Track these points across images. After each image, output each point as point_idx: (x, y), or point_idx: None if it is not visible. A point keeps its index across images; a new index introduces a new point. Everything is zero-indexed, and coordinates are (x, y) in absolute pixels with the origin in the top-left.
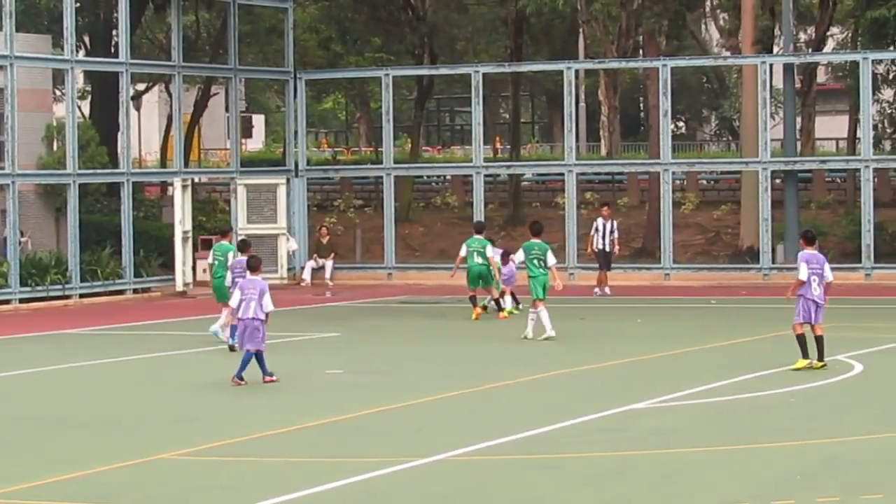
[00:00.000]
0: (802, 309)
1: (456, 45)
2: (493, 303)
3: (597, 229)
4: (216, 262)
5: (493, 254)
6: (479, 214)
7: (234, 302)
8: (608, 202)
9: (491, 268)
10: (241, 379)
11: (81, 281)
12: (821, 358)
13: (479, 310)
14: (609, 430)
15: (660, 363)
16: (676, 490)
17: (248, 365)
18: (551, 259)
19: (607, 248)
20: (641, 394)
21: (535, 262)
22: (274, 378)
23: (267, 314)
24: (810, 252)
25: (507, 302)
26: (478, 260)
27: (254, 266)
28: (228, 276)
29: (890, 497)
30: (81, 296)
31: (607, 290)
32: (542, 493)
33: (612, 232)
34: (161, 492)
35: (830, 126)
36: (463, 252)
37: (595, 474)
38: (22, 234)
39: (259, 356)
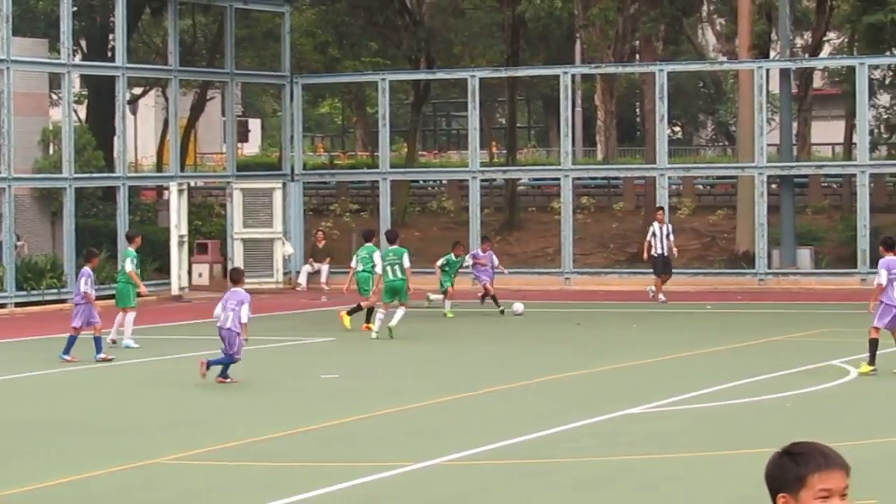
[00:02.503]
0: (885, 314)
1: (453, 50)
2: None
3: (654, 234)
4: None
5: (408, 264)
6: (475, 219)
7: (216, 311)
8: (662, 207)
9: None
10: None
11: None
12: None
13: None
14: (603, 435)
15: (655, 368)
16: (671, 495)
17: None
18: (406, 262)
19: (665, 253)
20: (637, 399)
21: (391, 267)
22: (228, 380)
23: (244, 325)
24: (891, 258)
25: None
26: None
27: (235, 279)
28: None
29: (886, 502)
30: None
31: (661, 296)
32: (536, 497)
33: (668, 236)
34: (155, 496)
35: (827, 131)
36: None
37: (588, 479)
38: (18, 238)
39: (227, 363)
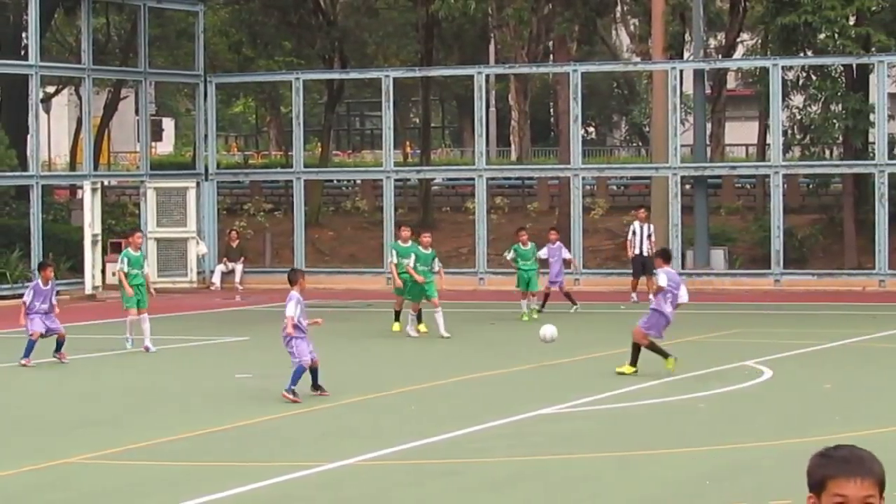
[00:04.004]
0: (656, 324)
1: (366, 50)
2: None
3: (634, 233)
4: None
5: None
6: (389, 218)
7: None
8: (643, 205)
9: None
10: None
11: None
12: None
13: None
14: (514, 436)
15: (568, 369)
16: (581, 495)
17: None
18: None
19: (645, 253)
20: (548, 399)
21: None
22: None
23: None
24: (669, 269)
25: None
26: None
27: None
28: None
29: (799, 502)
30: None
31: (633, 296)
32: (444, 498)
33: (649, 236)
34: (66, 496)
35: (740, 132)
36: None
37: (498, 480)
38: None
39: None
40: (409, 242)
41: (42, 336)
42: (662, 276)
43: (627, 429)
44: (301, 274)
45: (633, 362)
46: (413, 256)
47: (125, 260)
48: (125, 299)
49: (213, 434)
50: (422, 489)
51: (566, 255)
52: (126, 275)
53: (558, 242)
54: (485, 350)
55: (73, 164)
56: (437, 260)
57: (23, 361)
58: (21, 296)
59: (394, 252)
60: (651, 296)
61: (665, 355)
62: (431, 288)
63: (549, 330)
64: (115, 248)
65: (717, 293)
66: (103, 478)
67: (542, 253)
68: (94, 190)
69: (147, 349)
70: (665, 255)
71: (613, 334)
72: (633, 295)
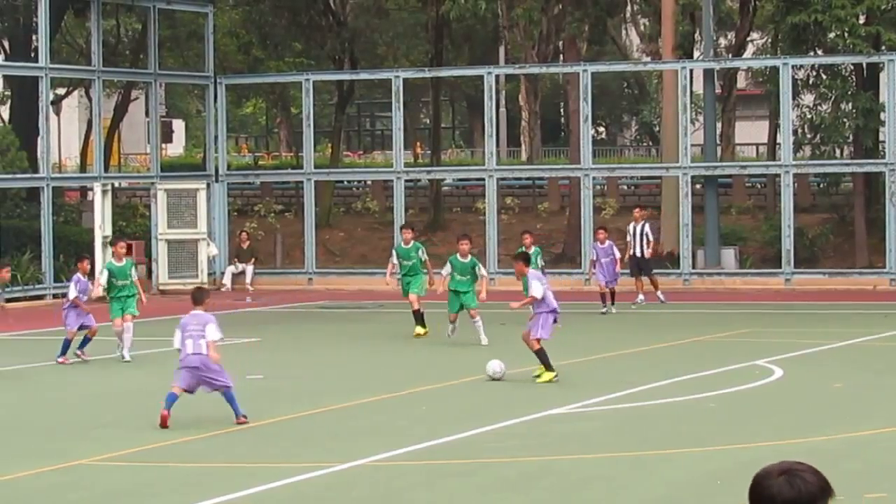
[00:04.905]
0: (545, 323)
1: (377, 50)
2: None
3: (629, 233)
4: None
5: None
6: (399, 219)
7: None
8: (640, 205)
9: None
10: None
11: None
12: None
13: None
14: (526, 436)
15: (579, 369)
16: (593, 495)
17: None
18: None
19: (639, 254)
20: (559, 400)
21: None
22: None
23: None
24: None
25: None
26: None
27: (199, 299)
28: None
29: None
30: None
31: (641, 297)
32: (457, 498)
33: (644, 235)
34: (80, 497)
35: (750, 131)
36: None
37: (510, 480)
38: None
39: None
40: (411, 244)
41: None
42: (537, 285)
43: (639, 429)
44: (208, 293)
45: (548, 367)
46: (449, 266)
47: (106, 273)
48: (114, 310)
49: (224, 435)
50: (434, 489)
51: (618, 253)
52: (111, 287)
53: (608, 241)
54: (493, 350)
55: (83, 166)
56: (479, 266)
57: (60, 360)
58: (32, 297)
59: (394, 253)
60: (531, 307)
61: (549, 367)
62: (470, 298)
63: (494, 366)
64: (126, 250)
65: (727, 293)
66: (117, 479)
67: (592, 254)
68: (104, 192)
69: (122, 357)
70: (526, 258)
71: (623, 334)
72: (641, 296)
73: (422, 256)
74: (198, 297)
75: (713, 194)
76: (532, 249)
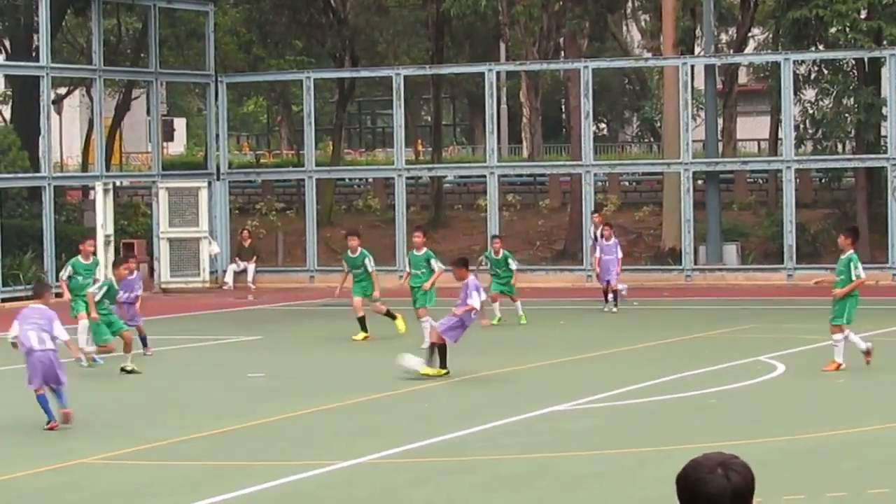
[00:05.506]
0: (457, 329)
1: (377, 48)
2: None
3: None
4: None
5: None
6: (401, 217)
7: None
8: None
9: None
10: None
11: (3, 286)
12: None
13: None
14: (526, 433)
15: (581, 365)
16: (593, 493)
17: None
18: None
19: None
20: (560, 397)
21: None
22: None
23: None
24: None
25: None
26: None
27: (39, 292)
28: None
29: (812, 497)
30: (3, 300)
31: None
32: (456, 496)
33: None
34: (82, 496)
35: (752, 127)
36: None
37: (511, 477)
38: None
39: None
40: (423, 250)
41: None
42: (476, 296)
43: (638, 425)
44: (47, 287)
45: (443, 364)
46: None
47: (69, 268)
48: (71, 306)
49: (225, 434)
50: (433, 487)
51: (620, 252)
52: (70, 281)
53: (613, 239)
54: (495, 348)
55: (84, 165)
56: (433, 260)
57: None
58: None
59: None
60: (456, 310)
61: (443, 365)
62: (422, 294)
63: (408, 360)
64: (128, 249)
65: (729, 288)
66: (118, 478)
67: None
68: (106, 191)
69: (78, 360)
70: (464, 263)
71: (625, 331)
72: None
73: (368, 265)
74: (38, 290)
75: (715, 190)
76: (500, 254)
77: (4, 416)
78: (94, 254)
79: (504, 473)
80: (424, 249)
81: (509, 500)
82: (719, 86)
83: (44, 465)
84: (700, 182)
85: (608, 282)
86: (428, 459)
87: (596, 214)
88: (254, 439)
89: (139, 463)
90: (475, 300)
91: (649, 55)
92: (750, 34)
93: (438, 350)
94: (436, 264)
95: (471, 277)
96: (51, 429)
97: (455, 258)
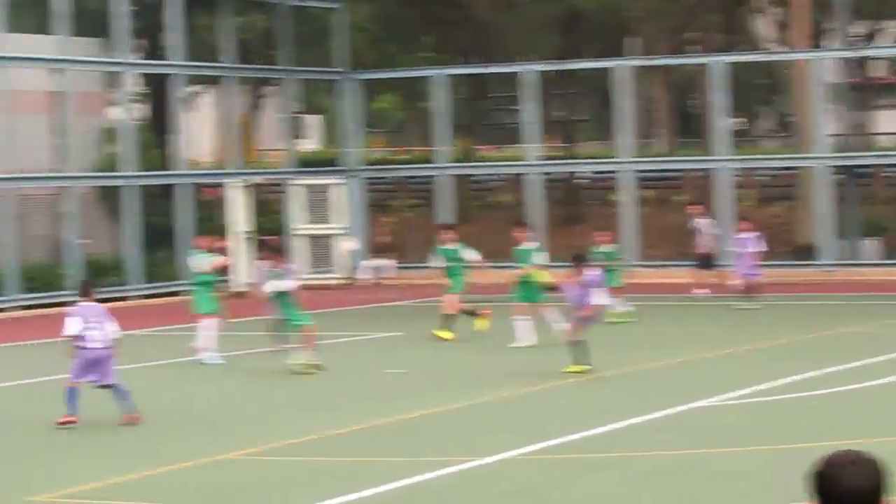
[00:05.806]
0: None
1: (508, 44)
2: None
3: (697, 230)
4: None
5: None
6: (535, 213)
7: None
8: (694, 201)
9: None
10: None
11: (142, 282)
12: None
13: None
14: (667, 430)
15: (718, 362)
16: (737, 489)
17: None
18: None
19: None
20: (699, 393)
21: None
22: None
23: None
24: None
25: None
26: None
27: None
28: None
29: None
30: (143, 297)
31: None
32: (600, 492)
33: (702, 230)
34: (226, 491)
35: (890, 120)
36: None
37: (654, 473)
38: (82, 238)
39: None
40: (459, 244)
41: None
42: (598, 294)
43: (781, 422)
44: (90, 285)
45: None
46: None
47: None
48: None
49: (368, 430)
50: (577, 483)
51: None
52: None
53: (748, 234)
54: (630, 345)
55: (219, 163)
56: (464, 251)
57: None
58: (170, 294)
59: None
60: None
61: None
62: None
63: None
64: (268, 246)
65: (868, 284)
66: (263, 473)
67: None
68: (241, 188)
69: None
70: (582, 260)
71: (763, 327)
72: (703, 289)
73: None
74: (84, 289)
75: (852, 184)
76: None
77: (150, 412)
78: (223, 251)
79: (647, 469)
80: (528, 244)
81: (656, 497)
82: (854, 79)
83: (188, 461)
84: (837, 176)
85: (749, 276)
86: (568, 455)
87: (694, 206)
88: (394, 435)
89: (283, 459)
90: (599, 298)
91: (786, 48)
92: (883, 27)
93: (580, 346)
94: (466, 254)
95: (590, 273)
96: (62, 424)
97: (574, 254)
